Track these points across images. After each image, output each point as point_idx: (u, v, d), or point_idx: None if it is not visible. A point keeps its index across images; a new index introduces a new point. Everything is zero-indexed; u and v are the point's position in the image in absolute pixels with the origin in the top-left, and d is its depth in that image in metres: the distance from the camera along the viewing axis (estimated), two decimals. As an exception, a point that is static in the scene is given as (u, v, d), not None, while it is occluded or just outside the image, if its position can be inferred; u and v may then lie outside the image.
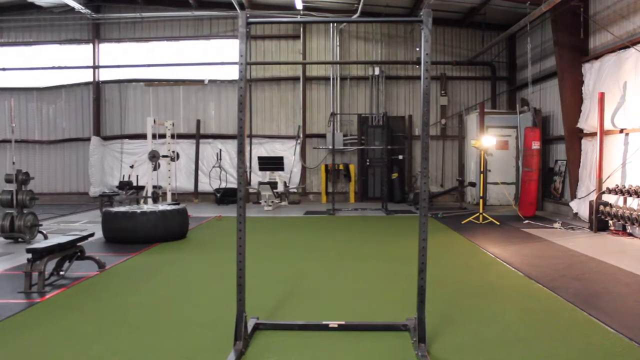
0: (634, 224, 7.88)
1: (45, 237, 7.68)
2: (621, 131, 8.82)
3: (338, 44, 14.85)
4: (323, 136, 14.91)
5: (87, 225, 10.03)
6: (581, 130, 10.05)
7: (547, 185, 12.13)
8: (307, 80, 15.06)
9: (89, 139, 15.41)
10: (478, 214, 10.09)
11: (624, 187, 8.28)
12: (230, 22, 15.09)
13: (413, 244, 3.73)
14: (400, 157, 14.08)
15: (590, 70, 9.80)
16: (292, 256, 6.98)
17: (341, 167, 14.64)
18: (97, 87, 15.63)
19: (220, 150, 14.98)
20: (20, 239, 7.80)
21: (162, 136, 12.35)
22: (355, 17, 13.57)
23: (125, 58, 15.51)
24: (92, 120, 15.64)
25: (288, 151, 14.89)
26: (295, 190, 14.82)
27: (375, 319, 4.17)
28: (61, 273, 5.48)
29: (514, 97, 14.47)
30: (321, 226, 10.00)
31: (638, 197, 7.93)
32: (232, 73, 15.10)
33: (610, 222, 8.60)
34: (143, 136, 12.64)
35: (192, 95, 15.39)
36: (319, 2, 14.12)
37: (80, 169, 15.76)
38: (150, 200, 10.80)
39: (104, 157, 15.45)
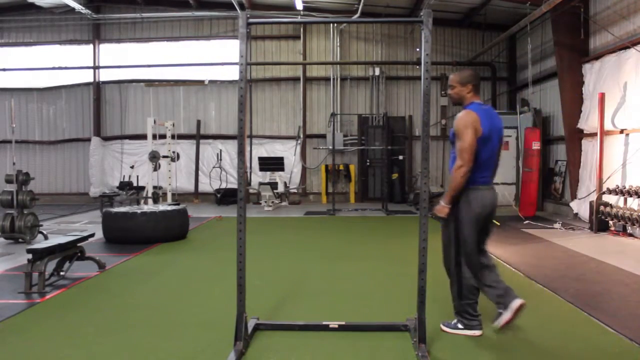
0: (634, 225, 7.88)
1: (46, 238, 7.68)
2: (621, 132, 8.82)
3: (338, 44, 14.86)
4: (323, 136, 14.91)
5: (88, 225, 10.03)
6: (581, 131, 10.05)
7: (547, 185, 12.13)
8: (308, 80, 15.07)
9: (89, 140, 15.42)
10: (478, 214, 10.07)
11: (624, 188, 8.28)
12: (230, 22, 15.10)
13: (413, 245, 3.74)
14: (401, 157, 14.08)
15: (590, 71, 9.80)
16: (292, 256, 6.98)
17: (341, 167, 14.64)
18: (98, 87, 15.64)
19: (221, 150, 14.99)
20: (20, 240, 7.80)
21: (163, 136, 12.35)
22: (355, 17, 13.57)
23: (126, 58, 15.51)
24: (92, 121, 15.65)
25: (288, 151, 14.89)
26: (295, 191, 14.82)
27: (376, 319, 4.17)
28: (61, 273, 5.48)
29: (514, 97, 14.46)
30: (321, 226, 9.99)
31: (638, 197, 7.93)
32: (233, 73, 15.11)
33: (611, 222, 8.60)
34: (143, 136, 12.63)
35: (193, 95, 15.40)
36: (319, 2, 14.13)
37: (80, 170, 15.77)
38: (150, 201, 10.81)
39: (104, 157, 15.46)
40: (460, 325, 3.78)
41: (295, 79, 15.12)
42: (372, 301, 4.73)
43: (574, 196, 10.22)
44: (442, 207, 3.72)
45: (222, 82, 15.27)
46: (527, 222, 9.98)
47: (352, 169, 14.74)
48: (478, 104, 3.71)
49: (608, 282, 5.38)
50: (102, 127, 15.73)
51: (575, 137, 10.19)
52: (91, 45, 15.66)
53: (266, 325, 3.89)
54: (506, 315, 3.62)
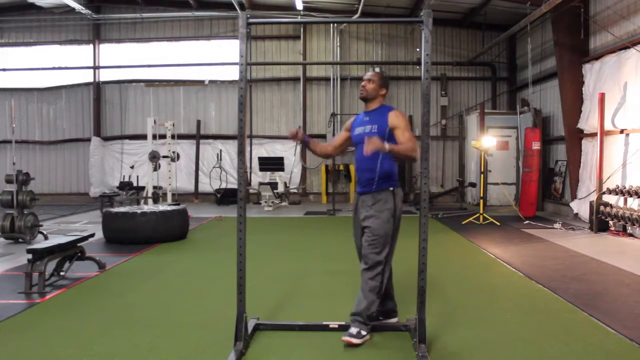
0: (634, 225, 7.88)
1: (46, 238, 7.68)
2: (621, 132, 8.82)
3: (338, 44, 14.86)
4: (323, 136, 14.89)
5: (88, 225, 10.03)
6: (581, 131, 10.05)
7: (547, 185, 12.13)
8: (308, 80, 15.07)
9: (89, 140, 15.42)
10: (478, 214, 10.09)
11: (624, 188, 8.28)
12: (230, 22, 15.10)
13: (413, 245, 3.74)
14: (401, 157, 14.04)
15: (590, 71, 9.80)
16: (292, 256, 6.98)
17: (341, 167, 14.64)
18: (98, 87, 15.64)
19: (221, 150, 14.98)
20: (20, 240, 7.80)
21: (163, 136, 12.35)
22: (355, 17, 13.57)
23: (126, 58, 15.51)
24: (92, 121, 15.65)
25: (288, 152, 14.89)
26: (295, 191, 14.82)
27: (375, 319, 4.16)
28: (61, 273, 5.47)
29: (514, 97, 14.47)
30: (321, 226, 10.00)
31: (638, 197, 7.92)
32: (233, 73, 15.11)
33: (611, 222, 8.60)
34: (143, 137, 12.64)
35: (193, 95, 15.40)
36: (319, 2, 14.12)
37: (80, 170, 15.77)
38: (150, 201, 10.81)
39: (104, 157, 15.46)
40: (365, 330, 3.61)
41: (295, 79, 15.11)
42: (372, 301, 4.72)
43: (574, 196, 10.22)
44: (382, 145, 3.39)
45: (222, 82, 15.27)
46: (527, 222, 9.98)
47: (352, 169, 14.74)
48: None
49: (608, 282, 5.38)
50: (102, 127, 15.73)
51: (575, 137, 10.19)
52: (91, 45, 15.66)
53: (266, 325, 3.89)
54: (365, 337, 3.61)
